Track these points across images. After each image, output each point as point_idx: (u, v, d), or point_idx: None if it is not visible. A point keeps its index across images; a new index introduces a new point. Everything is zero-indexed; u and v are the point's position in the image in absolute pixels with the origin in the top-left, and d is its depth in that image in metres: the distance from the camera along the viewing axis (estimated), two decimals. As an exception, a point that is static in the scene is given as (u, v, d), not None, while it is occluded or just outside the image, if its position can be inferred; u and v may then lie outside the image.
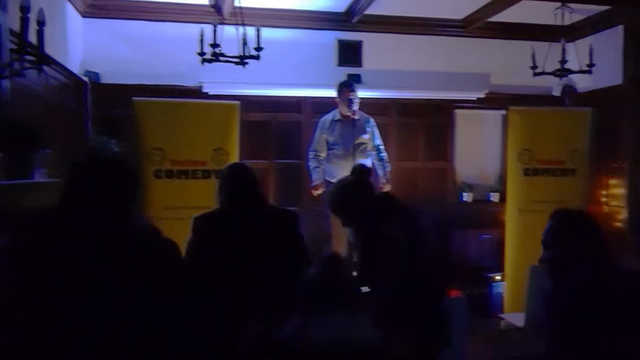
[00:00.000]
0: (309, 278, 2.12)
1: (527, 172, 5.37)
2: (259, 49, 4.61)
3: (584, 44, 5.31)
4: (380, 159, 5.33)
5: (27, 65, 3.18)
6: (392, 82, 6.00)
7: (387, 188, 5.24)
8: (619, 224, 5.69)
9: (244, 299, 2.63)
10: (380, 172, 5.30)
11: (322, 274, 2.12)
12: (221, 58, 4.62)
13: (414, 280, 2.60)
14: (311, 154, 5.36)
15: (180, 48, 5.41)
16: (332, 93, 5.38)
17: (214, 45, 4.54)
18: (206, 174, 4.69)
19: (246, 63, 4.68)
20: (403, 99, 6.20)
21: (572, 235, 1.99)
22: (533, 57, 5.13)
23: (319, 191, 5.27)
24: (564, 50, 5.11)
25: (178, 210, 4.40)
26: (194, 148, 4.75)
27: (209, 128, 4.82)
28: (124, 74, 5.47)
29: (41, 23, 3.13)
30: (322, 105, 5.69)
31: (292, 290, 2.15)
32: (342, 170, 5.10)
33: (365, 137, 5.24)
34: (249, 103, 5.48)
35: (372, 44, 6.12)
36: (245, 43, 4.59)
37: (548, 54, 5.22)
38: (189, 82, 5.63)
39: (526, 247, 5.20)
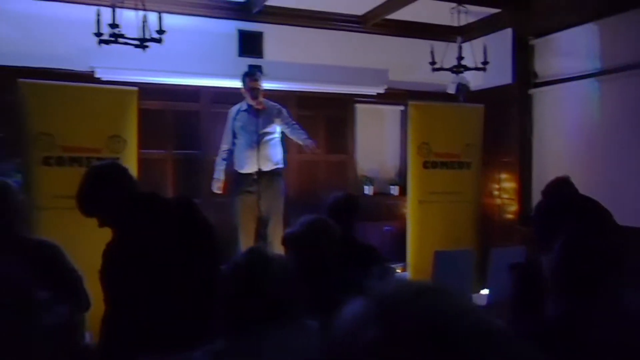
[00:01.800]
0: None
1: (426, 165, 5.54)
2: (161, 32, 4.41)
3: (477, 44, 5.57)
4: (298, 130, 5.19)
5: None
6: (293, 74, 5.94)
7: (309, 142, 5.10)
8: (510, 216, 6.02)
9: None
10: (302, 137, 5.15)
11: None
12: (120, 40, 4.36)
13: None
14: (221, 148, 5.21)
15: (69, 30, 5.06)
16: (233, 83, 5.26)
17: (113, 25, 4.26)
18: (102, 162, 4.38)
19: (147, 46, 4.46)
20: (302, 92, 6.14)
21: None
22: (432, 53, 5.29)
23: (217, 187, 5.13)
24: (460, 47, 5.33)
25: (68, 200, 4.01)
26: (87, 134, 4.47)
27: (104, 114, 4.56)
28: (4, 55, 4.97)
29: None
30: (222, 96, 5.59)
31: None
32: (248, 161, 4.98)
33: (273, 127, 5.12)
34: (145, 91, 5.20)
35: (274, 35, 6.03)
36: (145, 23, 4.36)
37: (445, 52, 5.41)
38: (79, 67, 5.21)
39: (427, 237, 5.37)
